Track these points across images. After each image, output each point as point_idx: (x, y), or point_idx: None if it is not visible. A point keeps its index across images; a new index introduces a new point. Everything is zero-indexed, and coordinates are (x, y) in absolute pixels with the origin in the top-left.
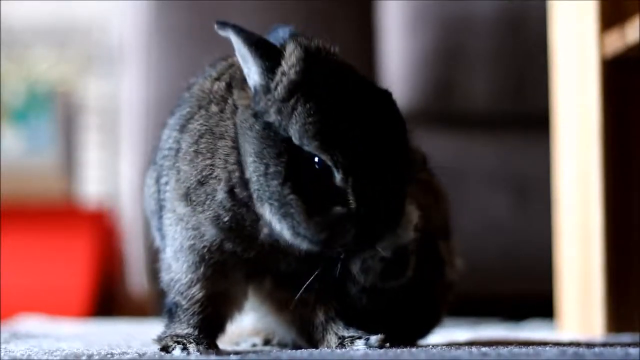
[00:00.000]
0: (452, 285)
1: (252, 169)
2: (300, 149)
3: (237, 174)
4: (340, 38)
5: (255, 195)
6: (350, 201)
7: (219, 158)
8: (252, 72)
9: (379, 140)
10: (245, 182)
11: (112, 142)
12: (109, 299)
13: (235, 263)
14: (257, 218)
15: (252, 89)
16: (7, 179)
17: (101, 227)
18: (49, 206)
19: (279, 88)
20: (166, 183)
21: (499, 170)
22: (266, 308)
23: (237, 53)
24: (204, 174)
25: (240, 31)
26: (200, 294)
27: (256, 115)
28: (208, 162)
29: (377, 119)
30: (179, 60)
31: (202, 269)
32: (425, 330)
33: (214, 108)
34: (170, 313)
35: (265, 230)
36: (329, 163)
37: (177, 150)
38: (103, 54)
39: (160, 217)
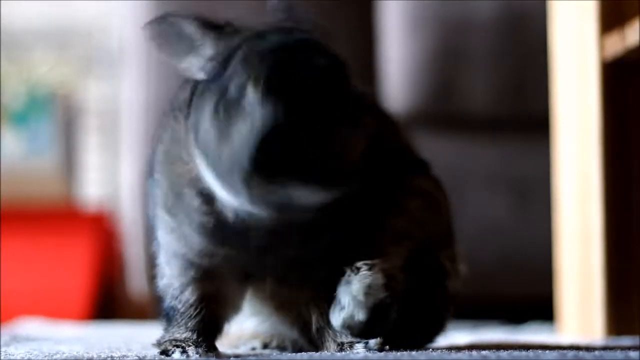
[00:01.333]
0: (455, 295)
1: (190, 122)
2: (227, 83)
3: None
4: (339, 41)
5: (194, 148)
6: (256, 114)
7: (186, 166)
8: (203, 47)
9: (309, 74)
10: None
11: (113, 145)
12: (109, 302)
13: (231, 266)
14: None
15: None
16: (7, 181)
17: (101, 229)
18: (49, 208)
19: (226, 43)
20: (156, 195)
21: (499, 172)
22: (267, 309)
23: (193, 37)
24: (177, 183)
25: (185, 17)
26: (193, 298)
27: (205, 82)
28: (178, 170)
29: (313, 60)
30: None
31: (191, 272)
32: (427, 341)
33: (178, 115)
34: (168, 317)
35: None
36: (245, 76)
37: (158, 163)
38: (103, 57)
39: (154, 226)
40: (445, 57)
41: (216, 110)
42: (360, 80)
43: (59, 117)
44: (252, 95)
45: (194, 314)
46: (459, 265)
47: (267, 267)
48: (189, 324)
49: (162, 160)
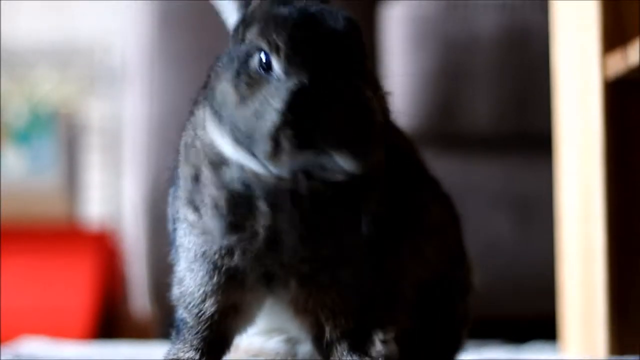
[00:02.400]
0: (463, 321)
1: (208, 88)
2: (250, 52)
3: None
4: None
5: (208, 113)
6: (282, 79)
7: (199, 142)
8: (232, 18)
9: (331, 40)
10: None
11: (115, 163)
12: (111, 321)
13: (255, 266)
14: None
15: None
16: (10, 200)
17: (104, 248)
18: (51, 227)
19: (249, 10)
20: (179, 195)
21: (501, 190)
22: (285, 316)
23: (222, 12)
24: (194, 164)
25: None
26: (212, 310)
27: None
28: (193, 151)
29: (336, 29)
30: (182, 80)
31: (215, 278)
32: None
33: (193, 107)
34: (177, 330)
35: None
36: (266, 47)
37: (178, 158)
38: (106, 75)
39: (174, 230)
40: (448, 75)
41: (237, 76)
42: None
43: (61, 135)
44: (276, 63)
45: (204, 329)
46: (472, 278)
47: (288, 264)
48: (195, 342)
49: (183, 150)
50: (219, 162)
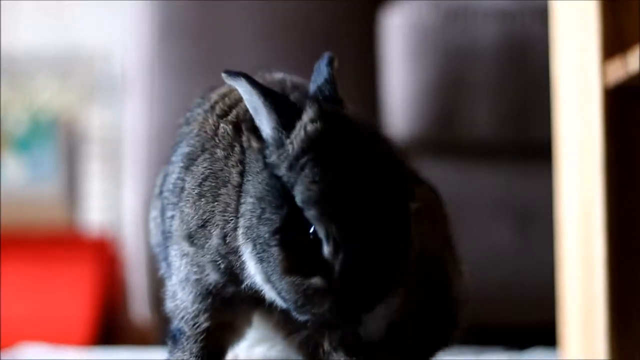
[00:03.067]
0: (460, 301)
1: (249, 208)
2: (300, 210)
3: (232, 222)
4: (342, 68)
5: (241, 232)
6: (334, 275)
7: (220, 203)
8: (265, 126)
9: (380, 219)
10: (236, 228)
11: (115, 172)
12: (111, 328)
13: (243, 297)
14: (243, 267)
15: (265, 139)
16: (9, 208)
17: (104, 255)
18: (51, 235)
19: (293, 144)
20: (172, 217)
21: (501, 198)
22: (276, 333)
23: (247, 103)
24: (204, 217)
25: (253, 82)
26: (206, 324)
27: (266, 165)
28: (209, 206)
29: (381, 194)
30: (183, 89)
31: (209, 300)
32: (434, 350)
33: (219, 153)
34: (174, 339)
35: (246, 281)
36: (322, 235)
37: (181, 189)
38: (106, 83)
39: (166, 247)
40: (448, 85)
41: (283, 239)
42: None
43: (61, 143)
44: (329, 255)
45: (201, 339)
46: (462, 267)
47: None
48: (194, 349)
49: (191, 191)
50: (228, 238)
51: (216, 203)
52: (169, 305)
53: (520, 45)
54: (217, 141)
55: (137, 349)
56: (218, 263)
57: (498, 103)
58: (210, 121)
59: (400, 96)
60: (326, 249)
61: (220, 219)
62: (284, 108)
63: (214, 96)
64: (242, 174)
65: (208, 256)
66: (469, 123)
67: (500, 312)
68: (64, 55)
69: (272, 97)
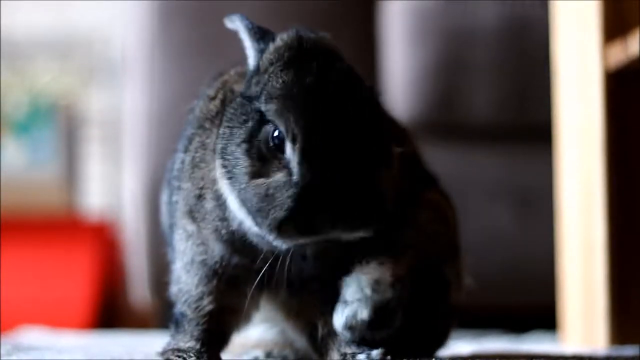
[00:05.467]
0: (457, 307)
1: (221, 135)
2: (265, 121)
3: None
4: (343, 51)
5: (218, 165)
6: (294, 171)
7: (209, 169)
8: (250, 58)
9: (344, 122)
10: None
11: (115, 155)
12: (111, 311)
13: (248, 276)
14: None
15: (248, 74)
16: (9, 192)
17: (103, 239)
18: (51, 218)
19: (264, 60)
20: (176, 202)
21: (502, 182)
22: (278, 316)
23: (244, 44)
24: (199, 186)
25: (244, 19)
26: (210, 307)
27: (242, 96)
28: (201, 173)
29: (348, 104)
30: (182, 72)
31: (214, 282)
32: (428, 352)
33: (207, 124)
34: (176, 323)
35: (234, 223)
36: (282, 129)
37: (181, 170)
38: (105, 66)
39: (172, 233)
40: (448, 68)
41: (250, 145)
42: None
43: (61, 127)
44: (290, 150)
45: (203, 322)
46: (464, 279)
47: (280, 279)
48: (195, 332)
49: (187, 166)
50: (219, 196)
51: (207, 169)
52: (173, 289)
53: (521, 28)
54: (208, 116)
55: (137, 332)
56: (219, 230)
57: (498, 86)
58: (205, 103)
59: (400, 79)
60: (287, 146)
61: (210, 181)
62: (265, 36)
63: (208, 84)
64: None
65: (210, 226)
66: (469, 105)
67: (500, 295)
68: (64, 38)
69: (256, 30)
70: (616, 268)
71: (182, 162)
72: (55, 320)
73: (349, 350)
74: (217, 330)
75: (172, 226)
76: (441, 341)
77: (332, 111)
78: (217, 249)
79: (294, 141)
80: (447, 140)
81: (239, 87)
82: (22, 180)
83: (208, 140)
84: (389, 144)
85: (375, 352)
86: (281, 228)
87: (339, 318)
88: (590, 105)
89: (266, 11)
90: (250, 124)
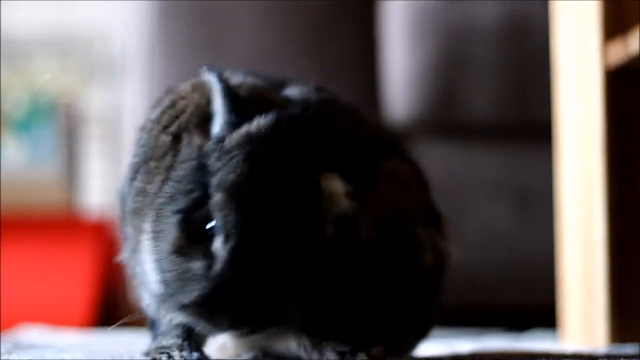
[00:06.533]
0: (438, 271)
1: (163, 190)
2: (208, 198)
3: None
4: (341, 50)
5: (149, 221)
6: (215, 267)
7: (145, 219)
8: (217, 123)
9: (282, 238)
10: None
11: (115, 153)
12: (111, 309)
13: None
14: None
15: (212, 135)
16: (9, 190)
17: (103, 237)
18: (51, 217)
19: (233, 138)
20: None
21: (502, 180)
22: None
23: (215, 103)
24: (136, 236)
25: (221, 82)
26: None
27: (198, 155)
28: (138, 223)
29: (294, 218)
30: (182, 70)
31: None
32: (407, 323)
33: (152, 164)
34: (153, 325)
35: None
36: (218, 223)
37: (124, 203)
38: (106, 64)
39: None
40: (448, 65)
41: (182, 221)
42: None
43: (61, 125)
44: (219, 247)
45: (176, 322)
46: (445, 245)
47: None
48: (174, 331)
49: (131, 207)
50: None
51: (143, 220)
52: (139, 287)
53: (521, 26)
54: (154, 152)
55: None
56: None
57: (498, 84)
58: (155, 132)
59: (400, 77)
60: (217, 240)
61: (141, 239)
62: (240, 110)
63: (165, 102)
64: (165, 181)
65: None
66: (468, 104)
67: (500, 294)
68: (64, 36)
69: (231, 98)
70: (616, 266)
71: (127, 192)
72: (55, 318)
73: (346, 349)
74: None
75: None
76: (420, 307)
77: (274, 224)
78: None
79: (226, 240)
80: (447, 139)
81: (195, 130)
82: (22, 179)
83: (149, 188)
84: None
85: (374, 351)
86: (184, 311)
87: None
88: (590, 104)
89: (266, 10)
90: (194, 195)
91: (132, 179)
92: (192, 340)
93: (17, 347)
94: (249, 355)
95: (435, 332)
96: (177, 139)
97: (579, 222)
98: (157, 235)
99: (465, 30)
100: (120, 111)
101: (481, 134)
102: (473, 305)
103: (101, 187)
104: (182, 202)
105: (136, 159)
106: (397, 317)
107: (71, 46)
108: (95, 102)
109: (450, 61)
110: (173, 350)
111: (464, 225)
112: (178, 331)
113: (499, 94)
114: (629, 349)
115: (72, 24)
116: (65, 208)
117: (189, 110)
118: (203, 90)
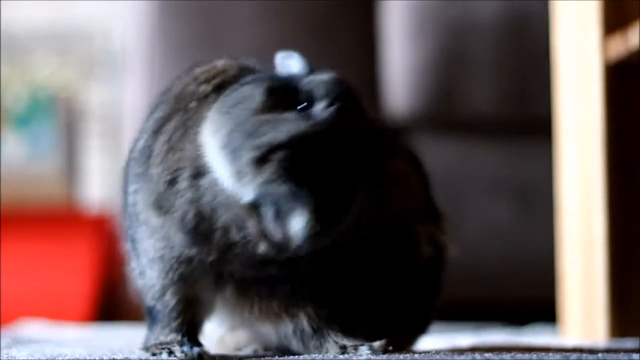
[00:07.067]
0: (438, 267)
1: (220, 103)
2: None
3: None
4: (342, 45)
5: (209, 125)
6: (318, 118)
7: (189, 146)
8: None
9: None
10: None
11: (114, 148)
12: (111, 304)
13: (202, 271)
14: (216, 198)
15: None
16: (9, 185)
17: (103, 232)
18: (51, 212)
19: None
20: (135, 191)
21: (502, 176)
22: (255, 317)
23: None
24: (173, 169)
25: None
26: (174, 300)
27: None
28: (178, 155)
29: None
30: (182, 66)
31: (170, 275)
32: (406, 313)
33: (192, 105)
34: (151, 316)
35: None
36: (323, 91)
37: (149, 156)
38: (105, 60)
39: (130, 228)
40: (448, 61)
41: (271, 88)
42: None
43: (61, 120)
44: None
45: (174, 315)
46: (444, 240)
47: (232, 274)
48: (172, 325)
49: (159, 149)
50: (198, 172)
51: (186, 149)
52: (139, 282)
53: (521, 22)
54: (194, 97)
55: (136, 325)
56: (186, 216)
57: (498, 79)
58: (191, 87)
59: (400, 73)
60: (319, 104)
61: (189, 160)
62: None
63: (198, 70)
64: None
65: (176, 215)
66: (468, 100)
67: (500, 289)
68: (64, 32)
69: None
70: (616, 261)
71: (149, 146)
72: (55, 313)
73: (348, 343)
74: (191, 320)
75: (131, 219)
76: (419, 295)
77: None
78: (177, 241)
79: (331, 103)
80: (447, 135)
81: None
82: (22, 174)
83: (192, 121)
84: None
85: (377, 344)
86: (266, 156)
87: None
88: (590, 99)
89: (266, 6)
90: (277, 80)
91: (157, 130)
92: (190, 333)
93: (17, 342)
94: (248, 349)
95: (435, 326)
96: (218, 88)
97: (579, 218)
98: (234, 104)
99: (465, 26)
100: (120, 107)
101: (481, 130)
102: (473, 300)
103: (101, 182)
104: (266, 82)
105: (162, 113)
106: (398, 311)
107: (71, 41)
108: (95, 97)
109: (450, 57)
110: (174, 346)
111: (464, 221)
112: (175, 324)
113: (498, 90)
114: (629, 343)
115: (72, 20)
116: (65, 203)
117: (231, 72)
118: (238, 64)
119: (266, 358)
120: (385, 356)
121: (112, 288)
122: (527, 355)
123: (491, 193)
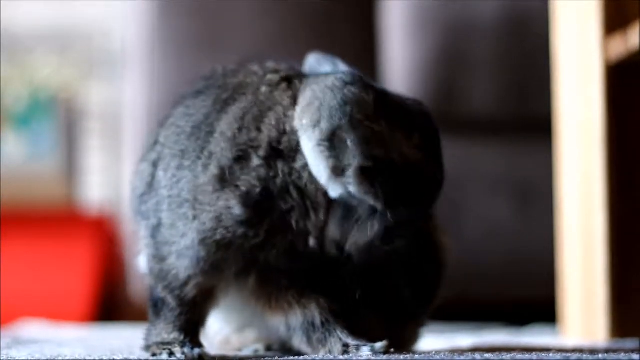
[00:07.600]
0: (444, 265)
1: (314, 97)
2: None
3: (285, 138)
4: (342, 42)
5: (304, 122)
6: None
7: (267, 126)
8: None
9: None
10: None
11: (115, 148)
12: (111, 304)
13: (236, 258)
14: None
15: None
16: (9, 185)
17: (103, 232)
18: (51, 211)
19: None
20: (178, 167)
21: (502, 175)
22: (268, 308)
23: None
24: (243, 147)
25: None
26: (193, 292)
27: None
28: (253, 134)
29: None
30: (182, 65)
31: (201, 265)
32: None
33: (264, 89)
34: (155, 308)
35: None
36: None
37: (209, 133)
38: (106, 59)
39: (158, 210)
40: (448, 59)
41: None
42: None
43: (61, 120)
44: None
45: (186, 311)
46: (443, 237)
47: (272, 269)
48: (178, 322)
49: (231, 125)
50: (276, 154)
51: (263, 128)
52: (155, 267)
53: (521, 21)
54: (262, 83)
55: (136, 325)
56: (251, 192)
57: (498, 78)
58: (254, 77)
59: (400, 71)
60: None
61: (267, 138)
62: None
63: (250, 66)
64: (294, 97)
65: (241, 189)
66: (468, 98)
67: (500, 288)
68: (64, 31)
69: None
70: (616, 261)
71: (211, 125)
72: (55, 313)
73: (351, 342)
74: (198, 318)
75: (161, 201)
76: (433, 298)
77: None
78: (234, 215)
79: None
80: (446, 133)
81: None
82: (22, 173)
83: (267, 102)
84: None
85: (379, 345)
86: (370, 172)
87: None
88: (590, 98)
89: (266, 5)
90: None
91: (221, 109)
92: (193, 332)
93: (17, 342)
94: (250, 349)
95: (436, 326)
96: (287, 81)
97: (579, 217)
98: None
99: (466, 25)
100: (120, 106)
101: (481, 129)
102: (473, 300)
103: (101, 182)
104: (373, 89)
105: (225, 94)
106: (399, 309)
107: (71, 41)
108: (95, 97)
109: (450, 56)
110: (174, 347)
111: (464, 219)
112: (181, 322)
113: (499, 89)
114: (629, 343)
115: (72, 19)
116: (65, 203)
117: (287, 68)
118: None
119: (266, 358)
120: (385, 356)
121: (112, 288)
122: (527, 356)
123: (491, 191)
